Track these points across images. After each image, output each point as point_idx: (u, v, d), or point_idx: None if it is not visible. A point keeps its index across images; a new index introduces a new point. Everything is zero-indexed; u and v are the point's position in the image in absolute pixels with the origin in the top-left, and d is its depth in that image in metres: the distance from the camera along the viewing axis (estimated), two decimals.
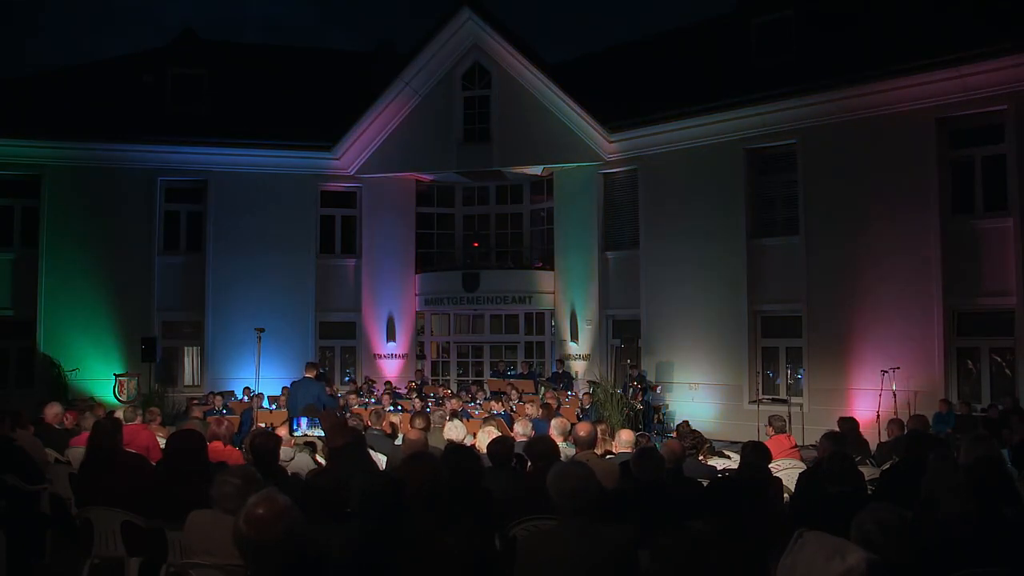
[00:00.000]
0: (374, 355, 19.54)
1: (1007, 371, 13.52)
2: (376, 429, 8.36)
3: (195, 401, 14.39)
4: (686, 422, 12.40)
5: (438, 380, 19.58)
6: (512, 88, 18.79)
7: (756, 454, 5.65)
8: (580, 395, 15.90)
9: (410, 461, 4.24)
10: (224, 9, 56.64)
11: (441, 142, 19.12)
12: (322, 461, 7.01)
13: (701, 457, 7.29)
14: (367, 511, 3.41)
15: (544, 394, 14.97)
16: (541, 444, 5.45)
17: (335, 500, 3.80)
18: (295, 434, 8.71)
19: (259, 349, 15.03)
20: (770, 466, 5.95)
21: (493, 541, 4.10)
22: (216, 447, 6.15)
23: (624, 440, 6.62)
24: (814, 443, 7.58)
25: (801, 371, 15.47)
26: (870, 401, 13.53)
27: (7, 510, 5.63)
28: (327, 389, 12.55)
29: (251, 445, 5.51)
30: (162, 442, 7.02)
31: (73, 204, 17.69)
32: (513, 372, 18.46)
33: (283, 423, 9.39)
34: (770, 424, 8.40)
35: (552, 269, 19.33)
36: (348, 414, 11.58)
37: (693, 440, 7.48)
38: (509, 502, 4.63)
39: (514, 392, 15.01)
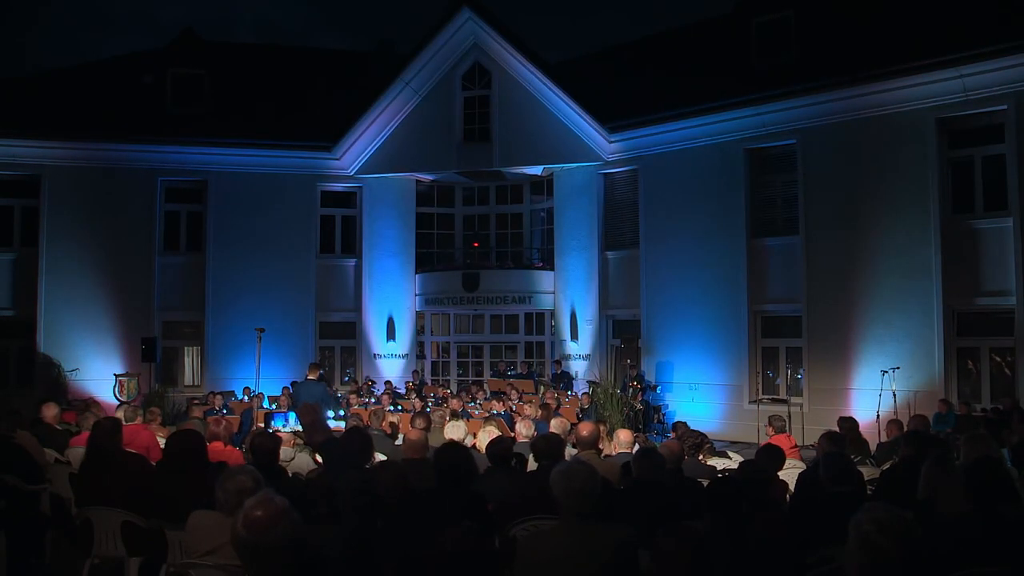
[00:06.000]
0: (374, 355, 19.55)
1: (1007, 371, 13.53)
2: (376, 429, 8.36)
3: (195, 401, 14.38)
4: (685, 424, 12.37)
5: (438, 380, 19.58)
6: (512, 88, 18.78)
7: (768, 457, 5.63)
8: (580, 395, 15.89)
9: (379, 467, 4.26)
10: (222, 10, 56.63)
11: (441, 142, 19.11)
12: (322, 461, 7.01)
13: (701, 457, 7.28)
14: (349, 512, 3.43)
15: (544, 394, 14.96)
16: (545, 443, 5.44)
17: (330, 500, 3.80)
18: (279, 427, 8.76)
19: (259, 349, 15.06)
20: None
21: (490, 541, 4.09)
22: (216, 447, 6.15)
23: (623, 440, 6.61)
24: (814, 443, 7.58)
25: (801, 371, 15.47)
26: (870, 401, 13.53)
27: (7, 510, 5.63)
28: (328, 390, 12.58)
29: (251, 445, 5.52)
30: (162, 442, 7.01)
31: (73, 204, 17.68)
32: (513, 372, 18.45)
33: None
34: (770, 424, 8.41)
35: (552, 269, 19.34)
36: (347, 414, 11.60)
37: (694, 440, 7.46)
38: (509, 502, 4.63)
39: (514, 392, 15.01)
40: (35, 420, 8.28)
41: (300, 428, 8.01)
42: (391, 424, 10.31)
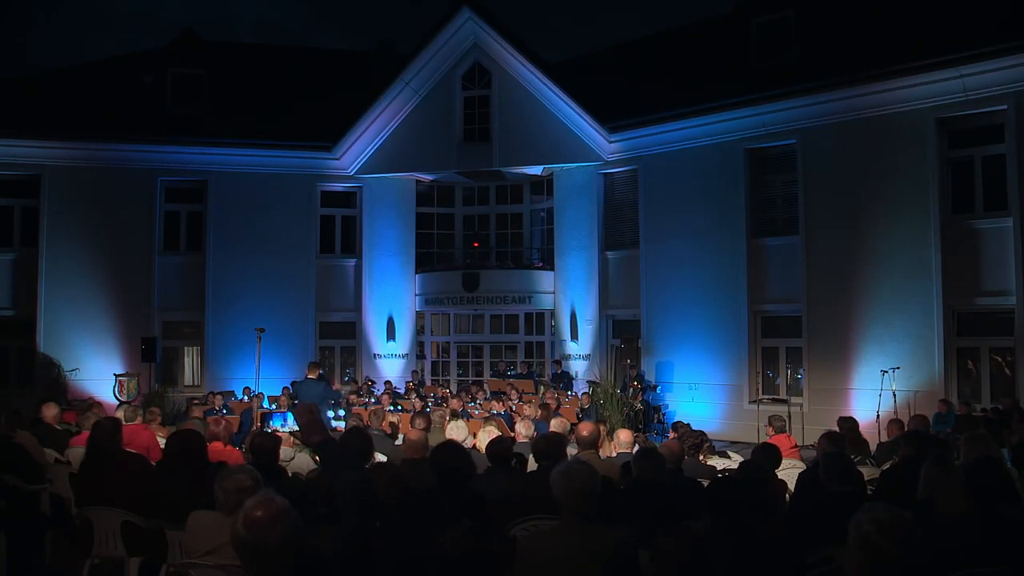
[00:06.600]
0: (374, 355, 19.55)
1: (1007, 371, 13.53)
2: (376, 429, 8.36)
3: (195, 401, 14.38)
4: (688, 425, 12.37)
5: (438, 380, 19.58)
6: (512, 88, 18.78)
7: (765, 456, 5.63)
8: (580, 395, 15.89)
9: (376, 469, 4.27)
10: (222, 10, 56.63)
11: (441, 142, 19.11)
12: None
13: (701, 457, 7.27)
14: (346, 512, 3.42)
15: (544, 394, 14.97)
16: (546, 443, 5.43)
17: (328, 500, 3.80)
18: (276, 427, 8.78)
19: (259, 349, 15.04)
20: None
21: (489, 540, 4.09)
22: (216, 447, 6.15)
23: (623, 440, 6.61)
24: (814, 443, 7.58)
25: (801, 371, 15.47)
26: (870, 401, 13.53)
27: (7, 510, 5.63)
28: (329, 388, 12.61)
29: (251, 445, 5.51)
30: (162, 442, 7.01)
31: (73, 204, 17.68)
32: (513, 372, 18.45)
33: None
34: (770, 424, 8.40)
35: (552, 269, 19.33)
36: (348, 414, 11.62)
37: (693, 440, 7.45)
38: (509, 502, 4.63)
39: (514, 392, 15.01)
40: (35, 420, 8.28)
41: (297, 428, 8.02)
42: (391, 424, 10.32)
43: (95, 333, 17.59)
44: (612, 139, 17.86)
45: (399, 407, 13.83)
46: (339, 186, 19.71)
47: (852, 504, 3.26)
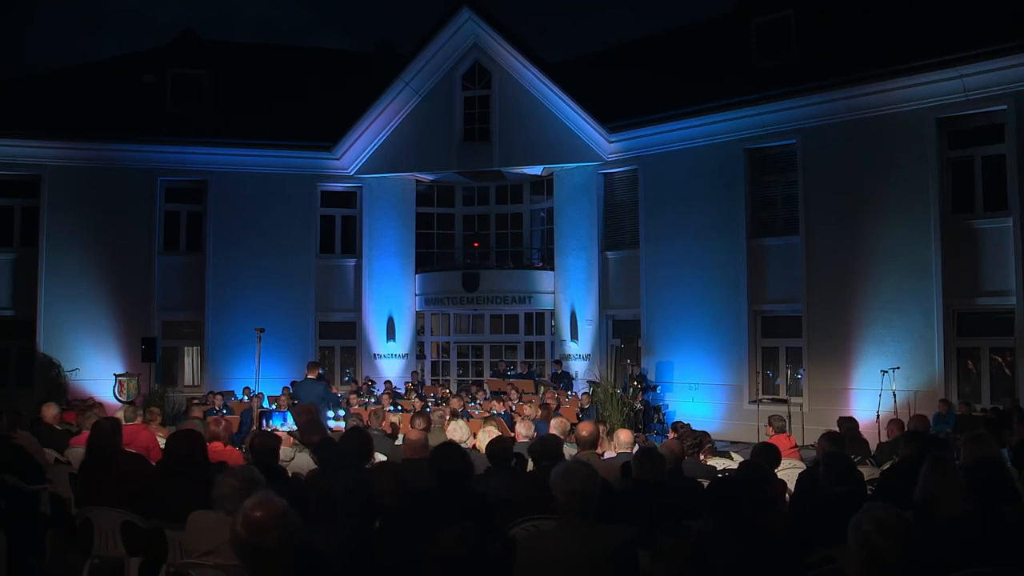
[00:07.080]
0: (374, 355, 19.55)
1: (1007, 371, 13.52)
2: (376, 429, 8.36)
3: (195, 401, 14.38)
4: (688, 425, 12.36)
5: (438, 380, 19.58)
6: (512, 88, 18.78)
7: (764, 456, 5.63)
8: (580, 395, 15.89)
9: (376, 468, 4.27)
10: (222, 10, 56.62)
11: (441, 142, 19.12)
12: None
13: (702, 457, 7.27)
14: (345, 512, 3.42)
15: (544, 394, 14.96)
16: (543, 444, 5.43)
17: (324, 500, 3.79)
18: (276, 426, 8.80)
19: (259, 349, 15.04)
20: None
21: (489, 541, 4.09)
22: (216, 447, 6.15)
23: (623, 440, 6.60)
24: (814, 443, 7.58)
25: (801, 371, 15.47)
26: (870, 401, 13.53)
27: (7, 510, 5.63)
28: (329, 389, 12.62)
29: (251, 445, 5.51)
30: (162, 442, 7.01)
31: (73, 204, 17.69)
32: (513, 372, 18.45)
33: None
34: (770, 424, 8.40)
35: (552, 269, 19.33)
36: (348, 414, 11.63)
37: (693, 440, 7.45)
38: (508, 502, 4.63)
39: (514, 392, 15.00)
40: (35, 420, 8.29)
41: (296, 427, 8.02)
42: (391, 424, 10.32)
43: (95, 333, 17.59)
44: (612, 139, 17.86)
45: (399, 407, 13.83)
46: (339, 186, 19.71)
47: (852, 504, 3.27)
